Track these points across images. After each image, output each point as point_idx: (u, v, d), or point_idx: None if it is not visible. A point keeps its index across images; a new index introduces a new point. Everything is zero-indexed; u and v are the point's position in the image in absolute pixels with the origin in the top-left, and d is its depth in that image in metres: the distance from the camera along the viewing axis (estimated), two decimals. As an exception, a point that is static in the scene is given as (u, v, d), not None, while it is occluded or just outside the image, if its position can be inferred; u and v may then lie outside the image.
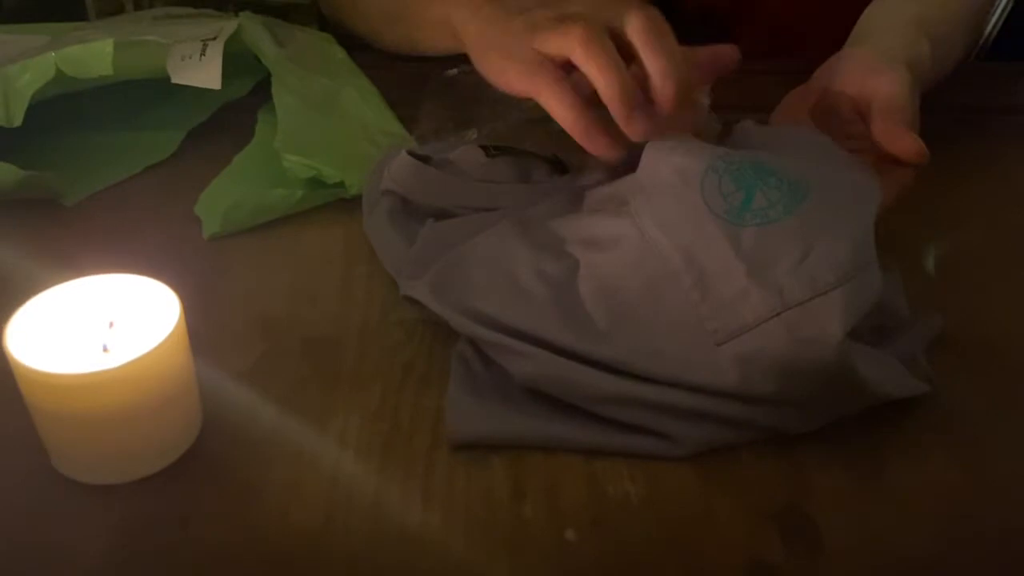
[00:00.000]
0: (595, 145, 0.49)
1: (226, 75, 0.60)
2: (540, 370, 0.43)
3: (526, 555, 0.38)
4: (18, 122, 0.57)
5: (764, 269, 0.41)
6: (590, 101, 0.49)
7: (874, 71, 0.57)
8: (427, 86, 0.72)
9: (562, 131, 0.51)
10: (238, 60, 0.64)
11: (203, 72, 0.60)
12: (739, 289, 0.41)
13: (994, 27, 0.93)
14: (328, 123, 0.63)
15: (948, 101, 0.76)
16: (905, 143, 0.54)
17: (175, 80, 0.59)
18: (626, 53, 0.49)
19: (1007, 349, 0.50)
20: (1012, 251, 0.59)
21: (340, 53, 0.74)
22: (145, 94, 0.66)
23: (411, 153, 0.54)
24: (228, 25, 0.65)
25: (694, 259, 0.43)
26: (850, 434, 0.43)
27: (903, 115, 0.55)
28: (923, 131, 0.70)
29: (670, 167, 0.46)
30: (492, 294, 0.45)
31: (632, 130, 0.48)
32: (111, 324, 0.41)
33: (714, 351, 0.41)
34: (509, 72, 0.52)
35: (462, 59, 0.61)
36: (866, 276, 0.41)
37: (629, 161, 0.51)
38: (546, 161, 0.57)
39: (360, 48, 0.76)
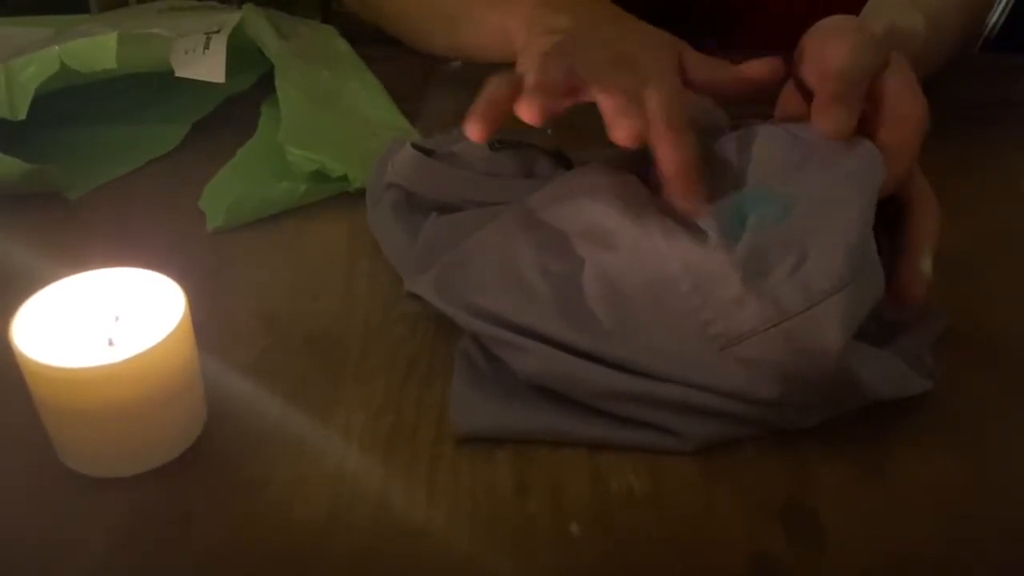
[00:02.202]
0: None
1: (229, 68, 0.59)
2: (544, 366, 0.43)
3: (530, 549, 0.38)
4: (22, 115, 0.57)
5: (759, 277, 0.41)
6: None
7: (827, 40, 0.50)
8: (431, 79, 0.73)
9: (566, 124, 0.51)
10: (241, 53, 0.64)
11: (206, 66, 0.60)
12: (735, 296, 0.41)
13: (997, 20, 0.93)
14: (332, 117, 0.63)
15: (949, 94, 0.76)
16: (819, 117, 0.46)
17: (179, 74, 0.59)
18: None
19: (1009, 345, 0.50)
20: (1015, 246, 0.59)
21: (343, 46, 0.74)
22: (149, 87, 0.66)
23: (415, 146, 0.54)
24: (231, 18, 0.65)
25: (691, 264, 0.43)
26: (853, 429, 0.43)
27: (836, 83, 0.47)
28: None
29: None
30: (496, 291, 0.45)
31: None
32: (116, 318, 0.41)
33: (718, 354, 0.41)
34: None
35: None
36: (863, 279, 0.41)
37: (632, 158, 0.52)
38: (549, 155, 0.57)
39: (363, 42, 0.75)
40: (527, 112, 0.46)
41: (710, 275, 0.42)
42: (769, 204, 0.44)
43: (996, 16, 0.93)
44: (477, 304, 0.45)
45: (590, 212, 0.48)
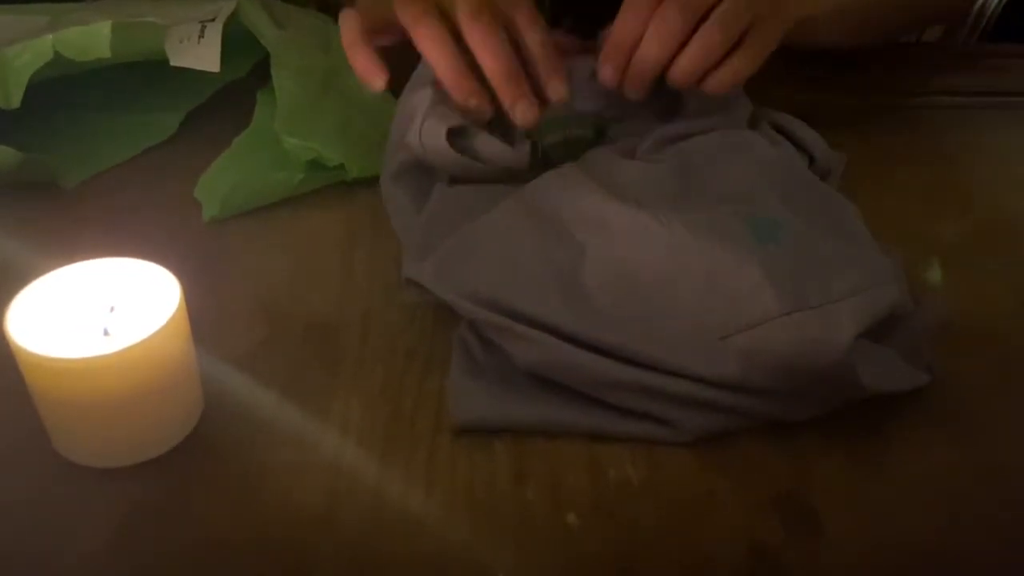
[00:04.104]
0: (461, 92, 0.52)
1: (225, 56, 0.59)
2: (543, 356, 0.43)
3: (528, 539, 0.38)
4: (16, 104, 0.57)
5: (781, 271, 0.42)
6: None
7: None
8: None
9: None
10: (237, 41, 0.64)
11: (201, 55, 0.59)
12: (753, 285, 0.41)
13: (995, 10, 0.92)
14: (328, 105, 0.63)
15: (947, 85, 0.76)
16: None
17: (174, 63, 0.59)
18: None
19: (1006, 335, 0.50)
20: (1011, 236, 0.59)
21: (340, 34, 0.73)
22: (143, 76, 0.65)
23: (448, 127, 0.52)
24: (226, 6, 0.64)
25: (711, 252, 0.43)
26: (851, 421, 0.43)
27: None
28: (920, 117, 0.70)
29: None
30: (497, 278, 0.45)
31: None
32: (112, 308, 0.41)
33: (718, 343, 0.41)
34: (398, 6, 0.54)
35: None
36: (881, 290, 0.42)
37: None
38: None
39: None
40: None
41: (729, 262, 0.42)
42: (795, 224, 0.47)
43: (993, 6, 0.92)
44: (478, 292, 0.44)
45: (595, 200, 0.48)
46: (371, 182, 0.60)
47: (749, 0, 0.53)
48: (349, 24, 0.56)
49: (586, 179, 0.49)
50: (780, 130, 0.58)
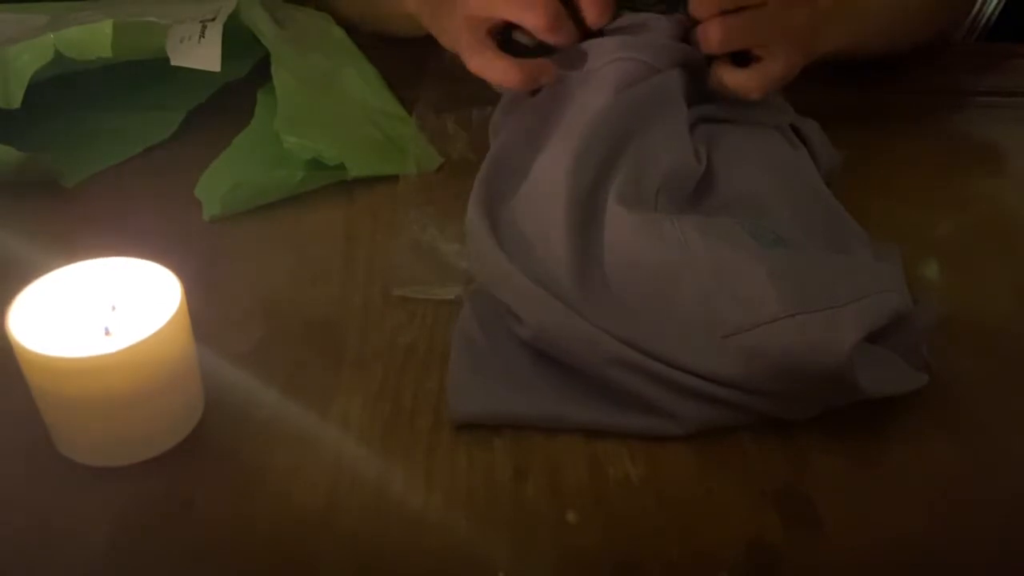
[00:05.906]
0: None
1: (225, 55, 0.59)
2: (550, 323, 0.43)
3: (528, 535, 0.39)
4: (17, 104, 0.57)
5: (786, 274, 0.42)
6: None
7: None
8: (427, 66, 0.72)
9: None
10: (237, 40, 0.64)
11: (202, 54, 0.59)
12: (758, 285, 0.42)
13: (993, 11, 0.92)
14: (328, 104, 0.63)
15: (947, 83, 0.76)
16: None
17: (174, 62, 0.59)
18: None
19: (1005, 331, 0.50)
20: (1010, 234, 0.59)
21: (339, 33, 0.74)
22: (144, 75, 0.66)
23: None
24: (227, 5, 0.64)
25: (718, 251, 0.43)
26: (849, 417, 0.43)
27: None
28: (921, 115, 0.70)
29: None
30: (527, 240, 0.47)
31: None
32: (113, 307, 0.41)
33: (721, 341, 0.41)
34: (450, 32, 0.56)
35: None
36: (884, 297, 0.42)
37: None
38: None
39: (359, 28, 0.75)
40: None
41: (735, 264, 0.43)
42: (800, 237, 0.48)
43: (991, 7, 0.92)
44: (511, 252, 0.46)
45: (620, 193, 0.48)
46: (371, 181, 0.60)
47: (776, 17, 0.54)
48: (467, 38, 0.55)
49: (628, 162, 0.50)
50: (795, 131, 0.58)
